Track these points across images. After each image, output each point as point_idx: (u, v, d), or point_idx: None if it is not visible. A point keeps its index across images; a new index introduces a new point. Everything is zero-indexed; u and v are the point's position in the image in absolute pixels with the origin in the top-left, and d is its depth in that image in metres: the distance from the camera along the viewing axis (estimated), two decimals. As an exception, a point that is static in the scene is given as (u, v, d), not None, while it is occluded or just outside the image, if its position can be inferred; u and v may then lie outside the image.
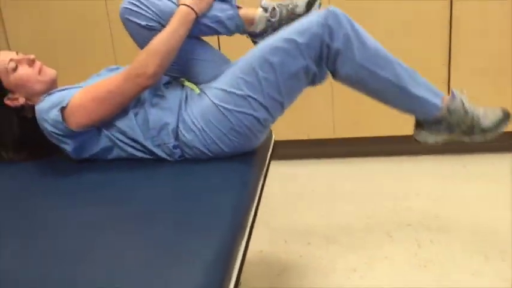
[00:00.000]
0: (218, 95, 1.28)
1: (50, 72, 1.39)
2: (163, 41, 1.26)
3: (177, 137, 1.30)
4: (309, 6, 1.34)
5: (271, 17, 1.36)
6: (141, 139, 1.31)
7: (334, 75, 1.30)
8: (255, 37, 1.42)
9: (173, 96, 1.34)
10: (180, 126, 1.30)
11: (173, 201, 1.09)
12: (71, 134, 1.28)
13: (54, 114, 1.25)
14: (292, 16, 1.35)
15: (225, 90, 1.27)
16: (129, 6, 1.30)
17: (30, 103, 1.37)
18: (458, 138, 1.36)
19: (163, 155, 1.32)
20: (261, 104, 1.26)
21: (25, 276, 0.84)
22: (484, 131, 1.32)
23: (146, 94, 1.34)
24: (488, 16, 2.17)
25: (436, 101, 1.30)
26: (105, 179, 1.25)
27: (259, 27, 1.38)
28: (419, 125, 1.40)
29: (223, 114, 1.27)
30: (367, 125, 2.41)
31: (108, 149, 1.34)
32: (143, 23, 1.31)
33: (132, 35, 1.35)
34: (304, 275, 1.61)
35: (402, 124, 2.42)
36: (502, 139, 2.38)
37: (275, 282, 1.61)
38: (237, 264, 0.93)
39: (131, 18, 1.31)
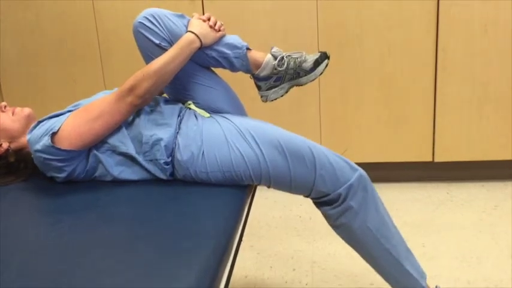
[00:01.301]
0: (232, 132, 1.29)
1: (24, 110, 1.42)
2: (163, 64, 1.28)
3: (170, 153, 1.30)
4: (316, 64, 1.37)
5: (278, 66, 1.37)
6: (133, 153, 1.30)
7: (336, 223, 1.31)
8: (258, 80, 1.43)
9: (171, 112, 1.34)
10: (179, 140, 1.30)
11: (157, 223, 1.09)
12: (64, 158, 1.27)
13: (45, 139, 1.25)
14: (298, 69, 1.37)
15: (240, 133, 1.29)
16: (145, 22, 1.33)
17: (13, 146, 1.39)
18: None
19: (156, 171, 1.31)
20: (260, 168, 1.28)
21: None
22: None
23: (143, 108, 1.34)
24: (474, 45, 2.22)
25: (423, 283, 1.34)
26: (88, 200, 1.25)
27: (263, 73, 1.40)
28: None
29: (229, 152, 1.27)
30: (353, 152, 2.43)
31: (94, 168, 1.33)
32: (156, 41, 1.34)
33: (140, 49, 1.38)
34: (288, 302, 1.60)
35: (388, 151, 2.46)
36: (485, 167, 2.42)
37: (259, 308, 1.60)
38: (220, 289, 0.93)
39: (145, 33, 1.34)
